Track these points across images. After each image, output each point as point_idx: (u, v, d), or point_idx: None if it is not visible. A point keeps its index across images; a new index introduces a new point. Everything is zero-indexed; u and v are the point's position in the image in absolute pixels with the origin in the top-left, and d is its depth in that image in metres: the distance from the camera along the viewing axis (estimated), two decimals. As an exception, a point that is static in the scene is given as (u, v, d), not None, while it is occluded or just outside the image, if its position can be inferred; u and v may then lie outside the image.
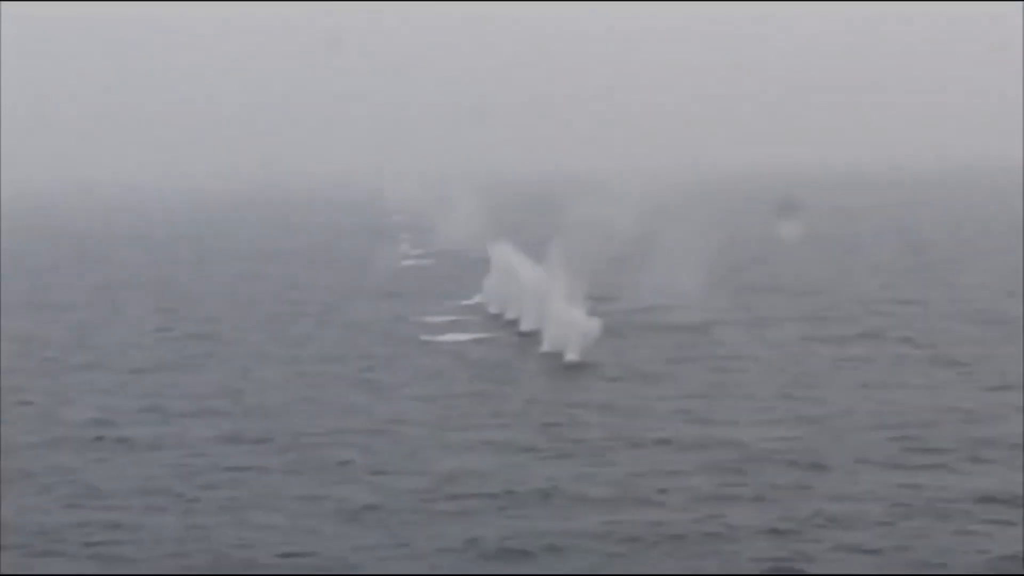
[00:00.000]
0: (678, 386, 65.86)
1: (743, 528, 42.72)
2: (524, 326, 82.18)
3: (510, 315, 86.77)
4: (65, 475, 51.86)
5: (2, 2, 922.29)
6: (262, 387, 68.58)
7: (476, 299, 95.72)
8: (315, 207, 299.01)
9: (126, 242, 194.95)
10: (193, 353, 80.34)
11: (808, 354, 73.96)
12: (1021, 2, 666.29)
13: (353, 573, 40.82)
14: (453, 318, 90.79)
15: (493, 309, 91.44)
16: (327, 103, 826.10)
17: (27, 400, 66.85)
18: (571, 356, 72.29)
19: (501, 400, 63.67)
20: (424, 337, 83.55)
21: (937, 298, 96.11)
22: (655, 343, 78.26)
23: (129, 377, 73.10)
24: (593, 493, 46.85)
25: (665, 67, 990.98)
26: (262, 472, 51.36)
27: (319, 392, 66.76)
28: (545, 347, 75.20)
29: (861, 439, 53.56)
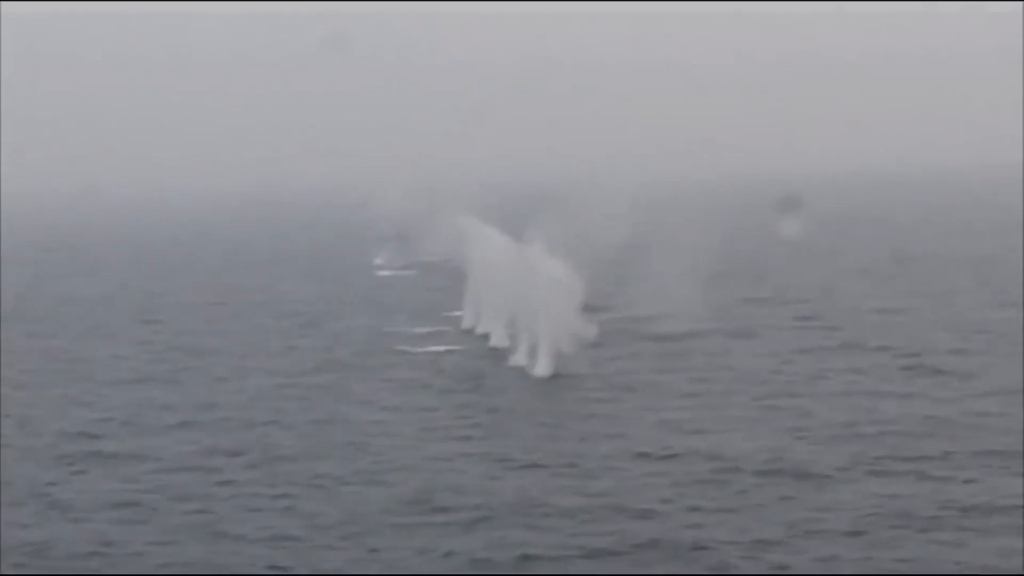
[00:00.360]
0: (658, 396, 65.63)
1: (722, 539, 42.68)
2: (495, 341, 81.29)
3: (482, 328, 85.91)
4: (40, 488, 51.67)
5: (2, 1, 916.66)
6: (240, 400, 68.26)
7: (457, 313, 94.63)
8: (305, 213, 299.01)
9: (117, 251, 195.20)
10: (173, 366, 79.94)
11: (791, 364, 73.77)
12: (1021, 2, 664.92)
13: (345, 573, 41.02)
14: (430, 329, 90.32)
15: (467, 322, 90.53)
16: (326, 104, 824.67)
17: (4, 412, 66.45)
18: (542, 370, 71.05)
19: (475, 411, 63.60)
20: (400, 348, 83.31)
21: (922, 307, 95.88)
22: (636, 353, 77.94)
23: (108, 390, 72.79)
24: (567, 504, 46.69)
25: (663, 69, 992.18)
26: (237, 485, 51.13)
27: (295, 404, 66.52)
28: (521, 357, 74.19)
29: (842, 449, 53.35)
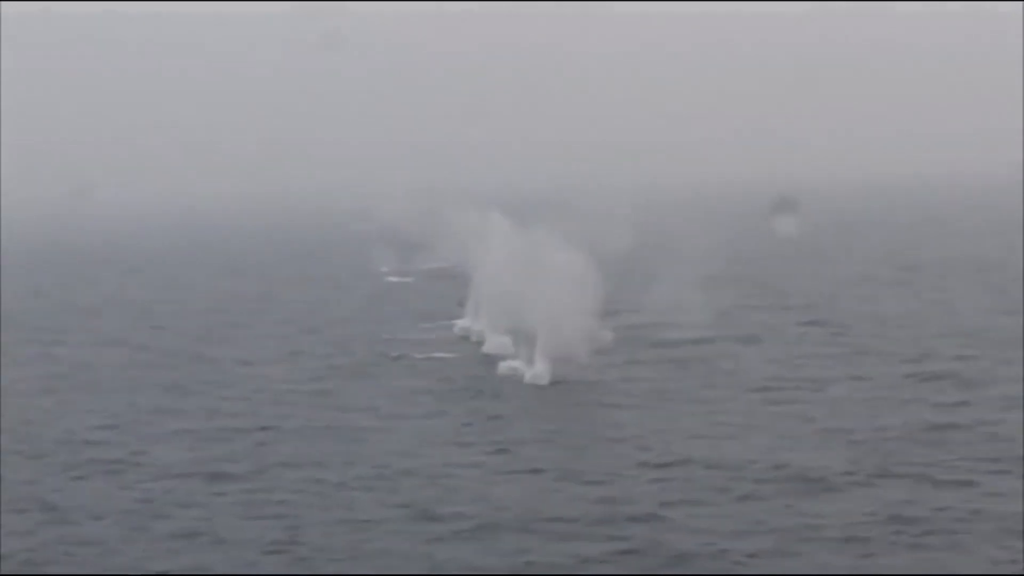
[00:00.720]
0: (660, 403, 65.41)
1: (722, 546, 42.67)
2: (499, 345, 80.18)
3: (486, 332, 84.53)
4: (40, 494, 51.70)
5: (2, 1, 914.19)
6: (240, 407, 68.03)
7: (460, 319, 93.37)
8: (306, 217, 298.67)
9: (116, 255, 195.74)
10: (167, 374, 79.50)
11: (794, 370, 73.46)
12: (1021, 1, 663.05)
13: (345, 573, 41.17)
14: (433, 336, 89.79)
15: (471, 327, 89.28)
16: (325, 105, 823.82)
17: (4, 418, 66.26)
18: (547, 376, 70.17)
19: (476, 418, 63.46)
20: (402, 354, 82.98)
21: (926, 313, 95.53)
22: (640, 359, 77.31)
23: (108, 396, 72.69)
24: (567, 512, 46.61)
25: (662, 69, 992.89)
26: (237, 492, 51.07)
27: (295, 410, 66.36)
28: (525, 362, 72.90)
29: (844, 455, 53.13)
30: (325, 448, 57.68)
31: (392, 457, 55.41)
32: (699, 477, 50.70)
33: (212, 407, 68.17)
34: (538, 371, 70.85)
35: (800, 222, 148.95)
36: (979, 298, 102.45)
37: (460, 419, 63.47)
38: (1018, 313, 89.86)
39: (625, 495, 48.56)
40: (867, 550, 41.99)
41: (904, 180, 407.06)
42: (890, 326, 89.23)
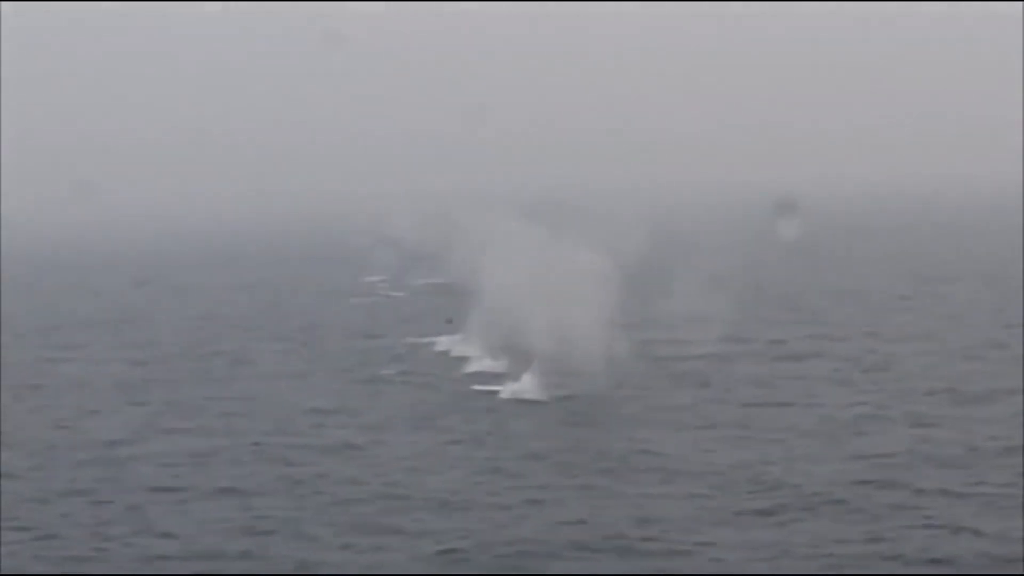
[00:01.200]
0: (653, 418, 64.88)
1: (716, 562, 42.53)
2: (474, 366, 79.81)
3: (487, 344, 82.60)
4: (34, 512, 51.55)
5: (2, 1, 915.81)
6: (227, 425, 67.47)
7: (442, 338, 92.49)
8: (306, 224, 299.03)
9: (116, 264, 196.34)
10: (163, 389, 79.23)
11: (793, 384, 73.13)
12: (1021, 1, 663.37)
13: (346, 573, 41.54)
14: (421, 354, 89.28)
15: (447, 341, 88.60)
16: (327, 109, 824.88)
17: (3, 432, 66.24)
18: (550, 391, 69.01)
19: (474, 437, 62.63)
20: (386, 371, 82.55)
21: (928, 327, 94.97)
22: (639, 374, 76.29)
23: (109, 411, 72.65)
24: (560, 530, 46.39)
25: (662, 68, 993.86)
26: (224, 511, 50.74)
27: (288, 428, 66.06)
28: (525, 375, 71.11)
29: (837, 470, 52.81)
30: (317, 465, 57.28)
31: (382, 475, 55.01)
32: (693, 493, 50.39)
33: (206, 423, 67.89)
34: (526, 386, 69.46)
35: (802, 225, 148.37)
36: (982, 310, 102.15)
37: (448, 436, 62.75)
38: (1018, 326, 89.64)
39: (620, 511, 48.36)
40: (859, 566, 41.82)
41: (903, 180, 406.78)
42: (891, 340, 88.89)
